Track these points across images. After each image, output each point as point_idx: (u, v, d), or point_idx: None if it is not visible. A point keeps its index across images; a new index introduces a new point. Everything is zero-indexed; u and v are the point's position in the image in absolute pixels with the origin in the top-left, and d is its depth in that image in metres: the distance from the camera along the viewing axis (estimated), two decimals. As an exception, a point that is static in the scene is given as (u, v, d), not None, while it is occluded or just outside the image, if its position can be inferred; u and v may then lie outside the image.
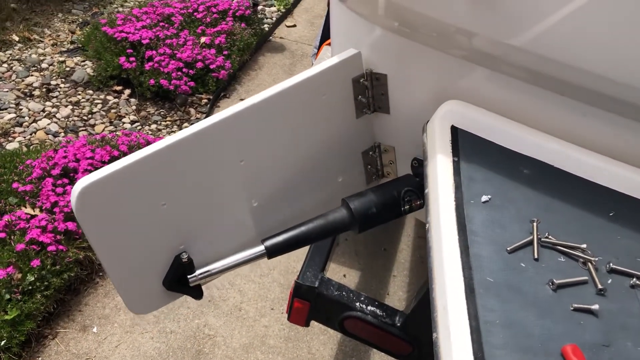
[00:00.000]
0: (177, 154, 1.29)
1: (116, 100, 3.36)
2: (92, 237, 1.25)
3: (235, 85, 3.65)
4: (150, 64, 3.34)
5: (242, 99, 3.55)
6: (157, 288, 1.39)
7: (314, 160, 1.60)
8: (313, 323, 1.80)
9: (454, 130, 1.35)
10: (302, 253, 1.71)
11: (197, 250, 1.41)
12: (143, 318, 2.33)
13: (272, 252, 1.41)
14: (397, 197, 1.50)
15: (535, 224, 1.12)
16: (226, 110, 1.36)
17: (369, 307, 1.72)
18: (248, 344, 2.30)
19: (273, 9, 4.46)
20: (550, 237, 1.12)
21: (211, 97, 3.44)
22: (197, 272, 1.39)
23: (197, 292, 1.45)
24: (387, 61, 1.52)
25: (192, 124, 3.27)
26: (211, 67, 3.45)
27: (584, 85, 1.29)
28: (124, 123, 3.24)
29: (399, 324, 1.69)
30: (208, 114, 3.35)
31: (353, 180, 1.79)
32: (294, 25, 4.35)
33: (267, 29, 4.13)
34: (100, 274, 2.46)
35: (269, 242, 1.41)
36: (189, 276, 1.39)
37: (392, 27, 1.45)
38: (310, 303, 1.74)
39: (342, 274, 2.63)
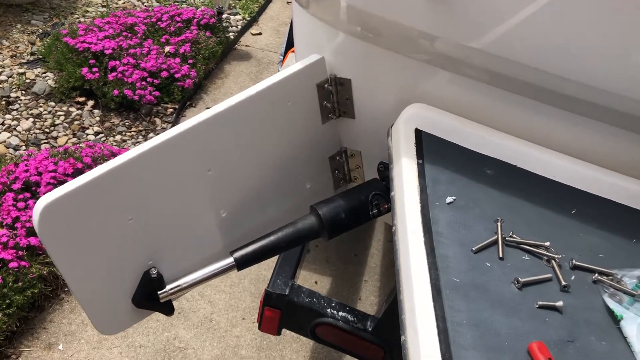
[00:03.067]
0: (142, 166, 1.25)
1: (79, 111, 3.29)
2: (55, 255, 1.20)
3: (202, 94, 3.62)
4: (114, 74, 3.29)
5: (208, 108, 3.51)
6: (125, 306, 1.35)
7: (281, 167, 1.59)
8: (285, 331, 1.78)
9: (418, 133, 1.36)
10: (272, 261, 1.69)
11: (166, 265, 1.37)
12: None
13: (242, 264, 1.39)
14: (365, 202, 1.50)
15: (499, 223, 1.13)
16: (191, 120, 1.34)
17: (340, 313, 1.71)
18: (220, 355, 2.27)
19: (238, 17, 4.44)
20: (514, 236, 1.13)
21: (177, 107, 3.40)
22: (168, 287, 1.36)
23: (168, 308, 1.41)
24: (350, 66, 1.52)
25: (157, 134, 3.22)
26: (176, 76, 3.41)
27: (543, 86, 1.31)
28: (87, 135, 3.17)
29: (370, 329, 1.69)
30: (174, 123, 3.31)
31: (321, 186, 1.79)
32: (260, 33, 4.34)
33: (232, 37, 4.11)
34: (66, 289, 2.40)
35: (238, 254, 1.39)
36: (159, 292, 1.35)
37: (355, 32, 1.46)
38: (281, 311, 1.73)
39: (313, 280, 2.61)
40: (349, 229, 1.50)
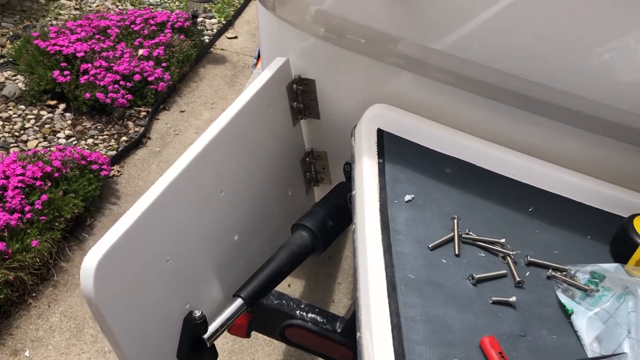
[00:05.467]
0: (169, 199, 1.15)
1: (50, 115, 3.25)
2: (111, 318, 1.03)
3: (175, 97, 3.60)
4: (86, 77, 3.25)
5: (182, 111, 3.50)
6: None
7: (269, 176, 1.57)
8: (257, 334, 1.77)
9: (380, 133, 1.37)
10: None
11: (201, 304, 1.27)
12: (80, 338, 2.24)
13: (252, 302, 1.30)
14: (345, 205, 1.50)
15: (456, 220, 1.15)
16: (197, 144, 1.25)
17: (309, 315, 1.71)
18: (191, 359, 2.25)
19: (214, 20, 4.43)
20: (470, 233, 1.15)
21: (150, 110, 3.38)
22: (211, 328, 1.23)
23: (214, 353, 1.28)
24: (314, 67, 1.53)
25: (130, 137, 3.21)
26: (149, 79, 3.39)
27: (502, 86, 1.33)
28: (58, 138, 3.13)
29: (339, 330, 1.69)
30: (147, 127, 3.29)
31: (298, 191, 1.79)
32: (235, 37, 4.34)
33: (207, 40, 4.10)
34: (34, 294, 2.36)
35: (244, 293, 1.29)
36: (205, 336, 1.21)
37: (319, 34, 1.47)
38: (250, 313, 1.72)
39: (286, 283, 2.61)
40: (338, 234, 1.50)
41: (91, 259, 0.98)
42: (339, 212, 1.48)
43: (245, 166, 1.43)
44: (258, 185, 1.50)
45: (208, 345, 1.23)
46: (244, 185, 1.42)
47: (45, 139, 3.10)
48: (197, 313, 1.20)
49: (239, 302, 1.27)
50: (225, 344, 2.32)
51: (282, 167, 1.63)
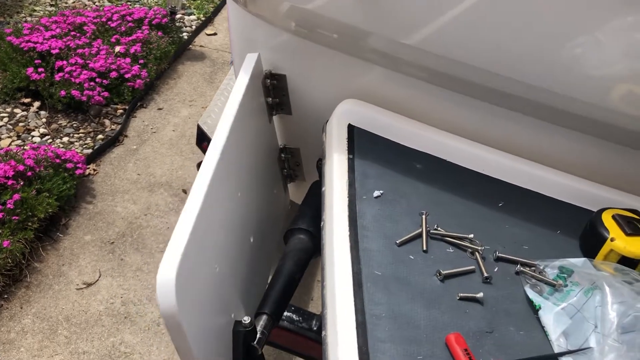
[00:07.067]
0: (207, 206, 1.10)
1: (24, 113, 3.19)
2: (190, 334, 0.97)
3: (153, 95, 3.56)
4: (61, 74, 3.20)
5: (160, 109, 3.46)
6: None
7: (261, 174, 1.56)
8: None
9: (351, 128, 1.36)
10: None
11: (240, 313, 1.23)
12: (53, 340, 2.20)
13: (277, 315, 1.26)
14: None
15: (424, 216, 1.14)
16: (213, 149, 1.19)
17: (285, 313, 1.69)
18: (167, 360, 2.22)
19: (192, 17, 4.38)
20: (439, 228, 1.13)
21: (127, 108, 3.33)
22: (258, 332, 1.18)
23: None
24: (286, 62, 1.51)
25: (106, 135, 3.16)
26: (126, 76, 3.34)
27: (473, 81, 1.32)
28: (33, 137, 3.08)
29: (315, 328, 1.67)
30: (123, 124, 3.24)
31: (278, 189, 1.77)
32: (215, 34, 4.30)
33: (186, 37, 4.05)
34: (5, 296, 2.31)
35: (268, 309, 1.23)
36: (254, 343, 1.16)
37: (289, 28, 1.45)
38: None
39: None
40: None
41: (167, 272, 0.92)
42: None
43: (246, 166, 1.41)
44: (256, 184, 1.49)
45: (259, 352, 1.18)
46: (248, 185, 1.41)
47: (19, 137, 3.05)
48: (247, 320, 1.14)
49: (265, 319, 1.21)
50: (202, 343, 2.29)
51: (266, 165, 1.61)
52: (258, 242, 1.47)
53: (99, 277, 2.47)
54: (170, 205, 2.84)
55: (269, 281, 1.35)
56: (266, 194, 1.62)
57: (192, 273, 0.98)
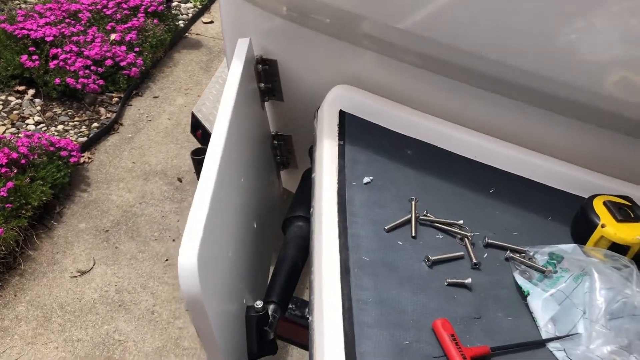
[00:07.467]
0: (218, 191, 1.09)
1: (19, 100, 3.17)
2: (212, 318, 0.98)
3: (149, 83, 3.54)
4: (55, 62, 3.17)
5: (155, 97, 3.44)
6: None
7: (257, 161, 1.55)
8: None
9: (342, 114, 1.34)
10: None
11: (250, 297, 1.23)
12: (47, 328, 2.20)
13: (284, 302, 1.26)
14: None
15: (413, 202, 1.13)
16: (216, 137, 1.19)
17: (278, 301, 1.69)
18: (161, 347, 2.22)
19: (189, 5, 4.35)
20: (428, 214, 1.12)
21: (122, 96, 3.31)
22: (270, 317, 1.18)
23: (275, 345, 1.24)
24: (277, 47, 1.50)
25: (101, 124, 3.14)
26: (122, 64, 3.32)
27: (465, 66, 1.31)
28: (27, 125, 3.06)
29: (308, 315, 1.67)
30: (119, 113, 3.22)
31: (273, 176, 1.77)
32: (211, 22, 4.27)
33: (182, 25, 4.02)
34: (0, 283, 2.31)
35: (275, 297, 1.23)
36: (266, 327, 1.17)
37: (281, 13, 1.43)
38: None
39: (259, 270, 2.58)
40: None
41: (189, 254, 0.92)
42: None
43: (245, 153, 1.40)
44: (254, 171, 1.48)
45: (271, 336, 1.18)
46: (248, 172, 1.40)
47: (13, 125, 3.03)
48: (259, 304, 1.15)
49: (273, 307, 1.21)
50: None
51: (261, 152, 1.60)
52: (260, 228, 1.47)
53: (94, 265, 2.46)
54: (165, 193, 2.83)
55: (271, 268, 1.36)
56: (264, 181, 1.61)
57: (210, 257, 0.98)
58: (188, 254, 0.92)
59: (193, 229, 0.96)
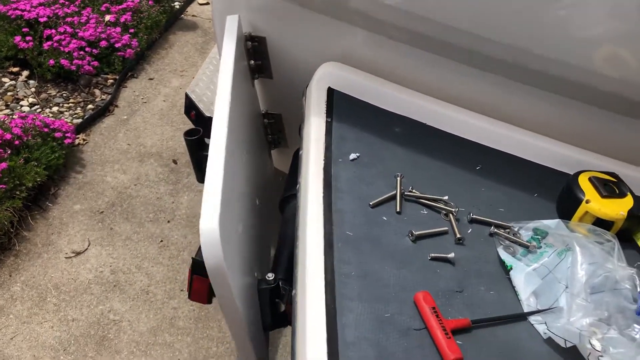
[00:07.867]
0: (228, 166, 1.09)
1: (13, 82, 3.16)
2: (233, 287, 0.99)
3: (144, 65, 3.52)
4: (49, 43, 3.16)
5: (151, 79, 3.43)
6: (261, 337, 1.20)
7: (252, 138, 1.55)
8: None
9: (331, 92, 1.34)
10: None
11: (259, 271, 1.24)
12: (42, 307, 2.22)
13: (290, 278, 1.22)
14: None
15: (399, 178, 1.13)
16: (219, 113, 1.18)
17: (269, 280, 1.70)
18: (156, 327, 2.24)
19: (185, -14, 4.32)
20: (414, 190, 1.13)
21: (117, 77, 3.30)
22: (281, 288, 1.18)
23: (286, 317, 1.24)
24: (266, 24, 1.49)
25: (96, 105, 3.13)
26: (117, 45, 3.30)
27: (453, 43, 1.30)
28: (22, 106, 3.05)
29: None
30: (114, 94, 3.21)
31: (266, 155, 1.76)
32: (207, 3, 4.23)
33: (178, 6, 4.00)
34: (-5, 264, 2.32)
35: (280, 275, 1.22)
36: (278, 300, 1.18)
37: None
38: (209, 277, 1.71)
39: (254, 251, 2.59)
40: None
41: (210, 221, 0.91)
42: None
43: (243, 129, 1.40)
44: (252, 148, 1.49)
45: (283, 308, 1.19)
46: (248, 149, 1.41)
47: (7, 106, 3.02)
48: (271, 276, 1.16)
49: (281, 283, 1.21)
50: (191, 311, 2.31)
51: (254, 130, 1.60)
52: (260, 205, 1.48)
53: (88, 246, 2.47)
54: (160, 175, 2.83)
55: (271, 245, 1.37)
56: (260, 159, 1.61)
57: (227, 226, 0.98)
58: (209, 220, 0.92)
59: (211, 197, 0.96)
